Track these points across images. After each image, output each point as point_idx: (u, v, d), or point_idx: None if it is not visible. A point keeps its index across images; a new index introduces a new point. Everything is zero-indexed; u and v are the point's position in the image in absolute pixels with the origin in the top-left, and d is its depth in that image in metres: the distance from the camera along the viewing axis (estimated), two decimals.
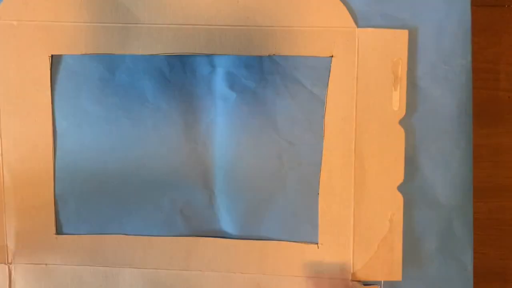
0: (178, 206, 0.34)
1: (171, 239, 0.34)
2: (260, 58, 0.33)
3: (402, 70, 0.32)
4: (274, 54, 0.32)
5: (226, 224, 0.34)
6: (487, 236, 0.35)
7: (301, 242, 0.33)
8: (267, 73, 0.33)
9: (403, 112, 0.32)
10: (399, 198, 0.33)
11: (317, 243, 0.33)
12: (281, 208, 0.34)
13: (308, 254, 0.33)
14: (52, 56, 0.33)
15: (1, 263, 0.34)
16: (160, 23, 0.32)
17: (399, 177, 0.33)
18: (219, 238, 0.34)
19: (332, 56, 0.32)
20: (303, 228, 0.34)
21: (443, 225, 0.34)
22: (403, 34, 0.32)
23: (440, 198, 0.33)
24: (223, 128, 0.34)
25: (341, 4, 0.32)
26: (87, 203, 0.34)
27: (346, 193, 0.33)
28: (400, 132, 0.33)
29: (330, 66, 0.33)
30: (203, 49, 0.32)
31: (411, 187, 0.33)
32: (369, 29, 0.32)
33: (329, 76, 0.33)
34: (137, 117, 0.34)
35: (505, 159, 0.34)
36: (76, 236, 0.34)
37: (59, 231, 0.34)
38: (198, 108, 0.34)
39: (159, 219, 0.34)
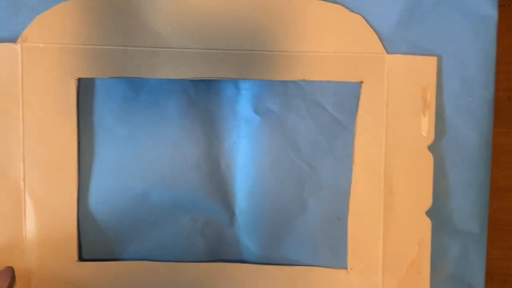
0: (198, 226, 0.34)
1: (195, 265, 0.33)
2: (285, 82, 0.33)
3: (431, 96, 0.33)
4: (302, 79, 0.32)
5: (246, 245, 0.34)
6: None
7: (330, 267, 0.33)
8: (291, 97, 0.33)
9: (432, 138, 0.33)
10: (427, 223, 0.33)
11: (346, 268, 0.33)
12: (302, 231, 0.34)
13: (338, 279, 0.33)
14: (78, 79, 0.32)
15: None
16: (190, 47, 0.32)
17: (428, 202, 0.33)
18: (247, 264, 0.33)
19: (361, 82, 0.33)
20: (323, 252, 0.34)
21: (458, 252, 0.34)
22: (432, 61, 0.32)
23: (457, 225, 0.34)
24: (246, 150, 0.34)
25: (371, 29, 0.32)
26: (107, 224, 0.34)
27: (375, 217, 0.33)
28: (429, 157, 0.33)
29: (359, 92, 0.33)
30: (232, 73, 0.32)
31: (429, 213, 0.34)
32: (399, 55, 0.32)
33: (358, 102, 0.33)
34: (160, 136, 0.33)
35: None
36: (98, 262, 0.33)
37: (81, 257, 0.33)
38: (221, 129, 0.34)
39: (179, 239, 0.34)
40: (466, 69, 0.33)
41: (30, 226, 0.33)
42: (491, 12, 0.33)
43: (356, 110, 0.33)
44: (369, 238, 0.33)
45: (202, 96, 0.34)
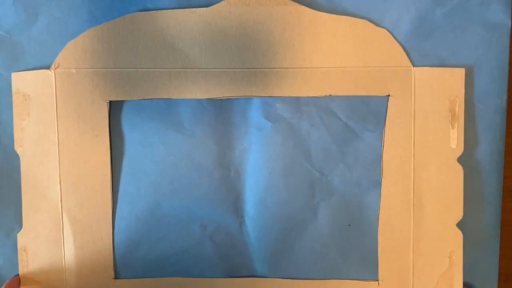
0: (208, 232, 0.35)
1: (230, 281, 0.34)
2: None
3: (460, 108, 0.32)
4: (330, 95, 0.33)
5: (255, 251, 0.35)
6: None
7: (362, 279, 0.34)
8: (303, 104, 0.34)
9: (461, 150, 0.33)
10: (458, 235, 0.33)
11: (377, 280, 0.34)
12: (312, 238, 0.34)
13: None
14: (110, 102, 0.33)
15: None
16: (217, 67, 0.32)
17: (459, 214, 0.33)
18: (279, 279, 0.34)
19: (389, 95, 0.33)
20: (333, 259, 0.34)
21: (469, 259, 0.34)
22: (460, 72, 0.32)
23: (468, 233, 0.34)
24: (256, 156, 0.34)
25: (396, 43, 0.32)
26: (123, 231, 0.34)
27: (405, 230, 0.33)
28: (459, 169, 0.33)
29: (371, 99, 0.33)
30: (260, 92, 0.33)
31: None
32: (426, 68, 0.32)
33: (370, 109, 0.33)
34: (172, 142, 0.34)
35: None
36: (135, 280, 0.34)
37: (117, 275, 0.34)
38: (232, 136, 0.34)
39: (189, 245, 0.35)
40: (479, 77, 0.33)
41: (68, 246, 0.34)
42: (504, 20, 0.32)
43: (369, 118, 0.33)
44: (400, 250, 0.33)
45: (213, 103, 0.34)
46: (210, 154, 0.34)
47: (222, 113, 0.34)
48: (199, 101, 0.34)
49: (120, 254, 0.34)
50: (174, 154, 0.34)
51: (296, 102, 0.34)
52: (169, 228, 0.34)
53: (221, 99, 0.33)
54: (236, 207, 0.35)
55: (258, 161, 0.34)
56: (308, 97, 0.33)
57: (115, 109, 0.34)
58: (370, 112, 0.33)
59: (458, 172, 0.33)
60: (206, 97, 0.33)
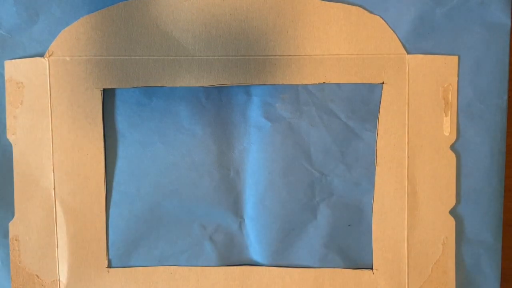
0: (208, 232, 0.34)
1: (223, 269, 0.34)
2: (296, 88, 0.33)
3: (453, 96, 0.33)
4: (324, 82, 0.33)
5: (255, 251, 0.35)
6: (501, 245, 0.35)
7: (356, 268, 0.34)
8: (302, 103, 0.34)
9: (454, 137, 0.33)
10: (451, 222, 0.33)
11: (371, 269, 0.34)
12: (312, 238, 0.34)
13: (364, 280, 0.34)
14: (103, 90, 0.33)
15: None
16: (211, 55, 0.32)
17: (451, 201, 0.33)
18: (275, 267, 0.34)
19: (383, 83, 0.33)
20: (333, 259, 0.34)
21: (471, 260, 0.34)
22: (453, 60, 0.32)
23: (469, 233, 0.34)
24: (256, 156, 0.34)
25: (391, 30, 0.32)
26: (126, 231, 0.34)
27: (399, 218, 0.33)
28: (452, 157, 0.33)
29: (372, 98, 0.33)
30: (254, 79, 0.33)
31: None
32: (420, 55, 0.32)
33: (370, 109, 0.33)
34: (171, 142, 0.34)
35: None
36: (128, 268, 0.34)
37: (110, 264, 0.34)
38: (232, 136, 0.34)
39: (189, 245, 0.35)
40: (479, 77, 0.33)
41: (61, 234, 0.34)
42: (504, 20, 0.32)
43: (368, 118, 0.33)
44: (394, 239, 0.33)
45: (213, 103, 0.34)
46: (209, 154, 0.34)
47: (221, 113, 0.34)
48: (198, 100, 0.34)
49: (120, 254, 0.34)
50: (173, 154, 0.34)
51: (296, 102, 0.34)
52: (169, 228, 0.34)
53: (220, 98, 0.34)
54: (236, 207, 0.35)
55: (257, 161, 0.34)
56: (308, 96, 0.33)
57: (108, 97, 0.34)
58: (370, 112, 0.33)
59: (451, 159, 0.33)
60: (200, 85, 0.33)
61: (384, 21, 0.32)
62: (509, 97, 0.33)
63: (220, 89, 0.34)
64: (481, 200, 0.34)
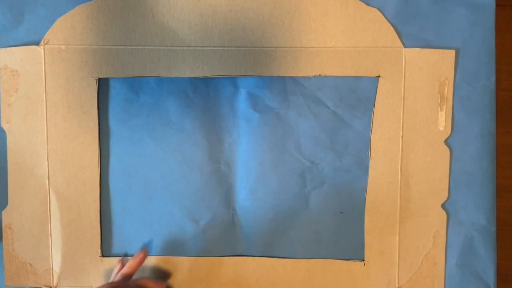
0: (200, 226, 0.35)
1: (218, 259, 0.34)
2: (283, 79, 0.33)
3: (449, 90, 0.33)
4: (320, 75, 0.33)
5: (248, 243, 0.35)
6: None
7: (348, 259, 0.34)
8: (290, 93, 0.34)
9: (449, 132, 0.33)
10: (443, 215, 0.33)
11: (363, 260, 0.34)
12: (304, 227, 0.35)
13: (355, 271, 0.34)
14: (98, 79, 0.33)
15: (47, 286, 0.34)
16: (206, 45, 0.32)
17: (444, 195, 0.33)
18: (268, 258, 0.34)
19: (379, 76, 0.33)
20: (326, 246, 0.35)
21: (464, 243, 0.34)
22: (450, 54, 0.32)
23: (461, 215, 0.34)
24: (246, 148, 0.34)
25: (388, 23, 0.32)
26: (118, 223, 0.35)
27: (391, 210, 0.34)
28: (446, 151, 0.33)
29: (359, 86, 0.33)
30: (249, 71, 0.32)
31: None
32: (416, 49, 0.32)
33: (358, 96, 0.33)
34: (161, 137, 0.34)
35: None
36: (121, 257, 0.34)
37: (104, 253, 0.35)
38: (221, 129, 0.34)
39: (182, 239, 0.35)
40: (465, 59, 0.33)
41: (55, 223, 0.34)
42: (488, 1, 0.32)
43: (356, 105, 0.33)
44: (386, 231, 0.34)
45: (201, 96, 0.34)
46: (199, 147, 0.34)
47: (209, 106, 0.34)
48: (186, 95, 0.34)
49: (115, 250, 0.35)
50: (163, 149, 0.34)
51: (283, 92, 0.34)
52: (162, 223, 0.34)
53: (207, 91, 0.33)
54: (228, 199, 0.35)
55: (247, 153, 0.34)
56: (295, 86, 0.33)
57: (103, 86, 0.33)
58: (358, 99, 0.33)
59: (445, 154, 0.33)
60: (195, 76, 0.33)
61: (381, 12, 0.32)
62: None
63: (207, 82, 0.34)
64: (473, 183, 0.34)
